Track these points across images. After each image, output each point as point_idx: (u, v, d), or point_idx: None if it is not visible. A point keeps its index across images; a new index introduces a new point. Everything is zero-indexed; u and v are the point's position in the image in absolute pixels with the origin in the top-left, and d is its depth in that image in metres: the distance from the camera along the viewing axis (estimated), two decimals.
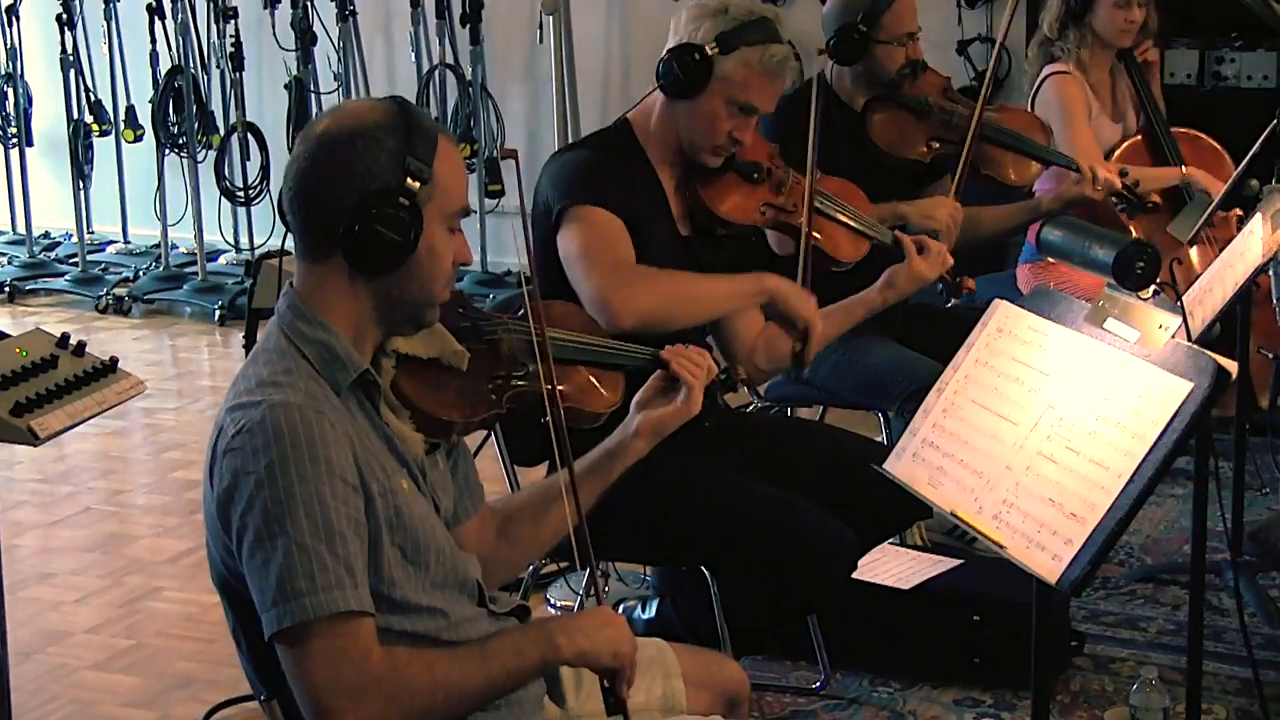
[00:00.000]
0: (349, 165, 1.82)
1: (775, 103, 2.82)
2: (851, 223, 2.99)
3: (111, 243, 7.46)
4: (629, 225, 2.71)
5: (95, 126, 7.14)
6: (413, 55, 6.66)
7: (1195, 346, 1.97)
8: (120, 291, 6.81)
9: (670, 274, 2.70)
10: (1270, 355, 3.68)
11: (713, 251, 2.88)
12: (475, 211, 6.57)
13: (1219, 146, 4.16)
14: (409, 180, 1.83)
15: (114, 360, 2.61)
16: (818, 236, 2.91)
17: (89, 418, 2.50)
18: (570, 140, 4.95)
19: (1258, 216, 2.75)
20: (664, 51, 2.77)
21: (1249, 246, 2.74)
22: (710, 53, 2.71)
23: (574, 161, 2.78)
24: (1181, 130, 4.15)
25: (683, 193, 2.85)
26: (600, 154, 2.79)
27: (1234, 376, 1.90)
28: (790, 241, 2.95)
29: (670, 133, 2.81)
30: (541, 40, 5.25)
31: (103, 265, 7.18)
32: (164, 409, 5.38)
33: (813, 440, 3.02)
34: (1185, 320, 2.05)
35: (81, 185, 7.15)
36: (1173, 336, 1.97)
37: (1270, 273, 3.42)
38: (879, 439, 3.67)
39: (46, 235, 7.59)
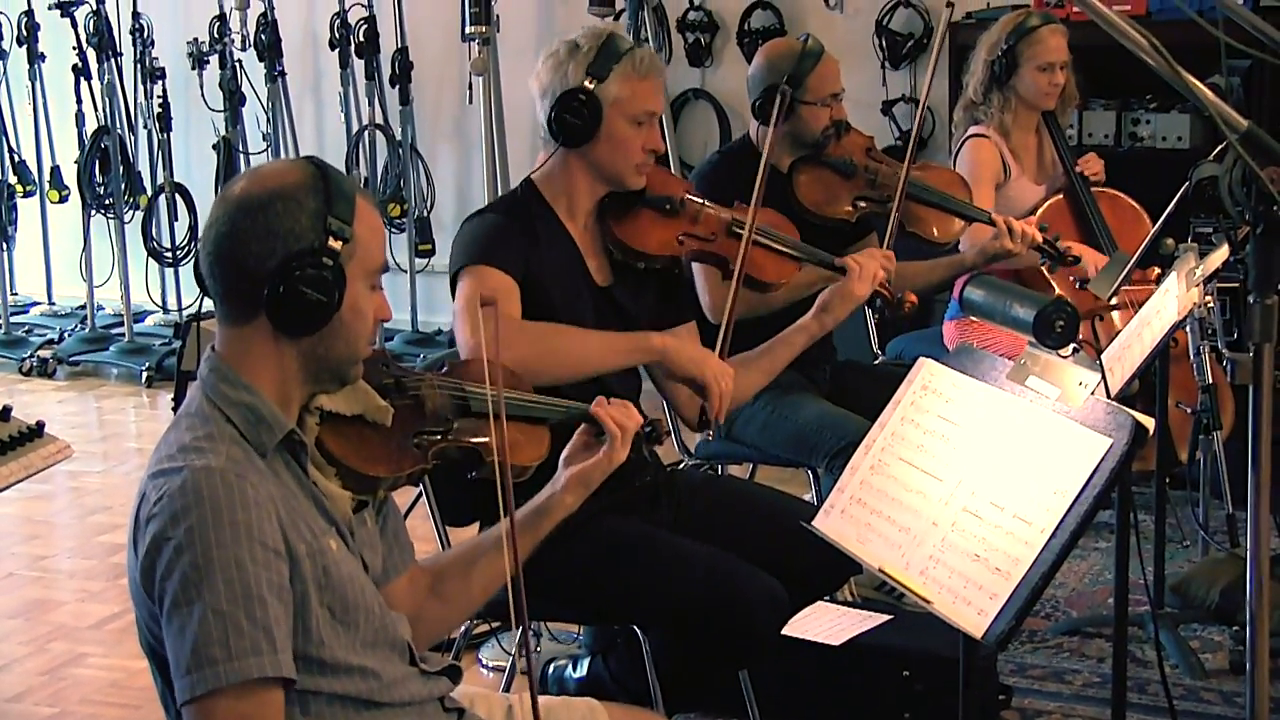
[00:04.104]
0: (270, 227, 1.83)
1: (662, 100, 2.86)
2: (781, 247, 3.01)
3: (36, 304, 7.38)
4: (534, 285, 2.72)
5: (19, 187, 7.08)
6: (342, 115, 6.66)
7: (1114, 403, 2.01)
8: (45, 354, 6.73)
9: (548, 328, 2.69)
10: (1188, 410, 3.75)
11: (634, 297, 2.89)
12: (405, 271, 6.57)
13: (1137, 205, 4.25)
14: (331, 240, 1.84)
15: (40, 425, 2.59)
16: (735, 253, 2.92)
17: (14, 483, 2.48)
18: None
19: (1173, 275, 2.81)
20: (543, 110, 2.80)
21: (1165, 305, 2.80)
22: (591, 87, 2.75)
23: (477, 225, 2.81)
24: (1101, 190, 4.24)
25: (598, 236, 2.88)
26: (505, 217, 2.81)
27: (1152, 432, 1.95)
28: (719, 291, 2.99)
29: (578, 183, 2.84)
30: (471, 101, 5.27)
31: (27, 327, 7.10)
32: (89, 472, 5.31)
33: (743, 499, 3.03)
34: (1104, 377, 2.10)
35: (4, 246, 7.07)
36: (1092, 393, 2.02)
37: (1187, 329, 3.49)
38: (808, 496, 3.70)
39: None
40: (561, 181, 2.85)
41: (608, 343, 2.72)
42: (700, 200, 2.96)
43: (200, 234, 1.91)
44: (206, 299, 1.93)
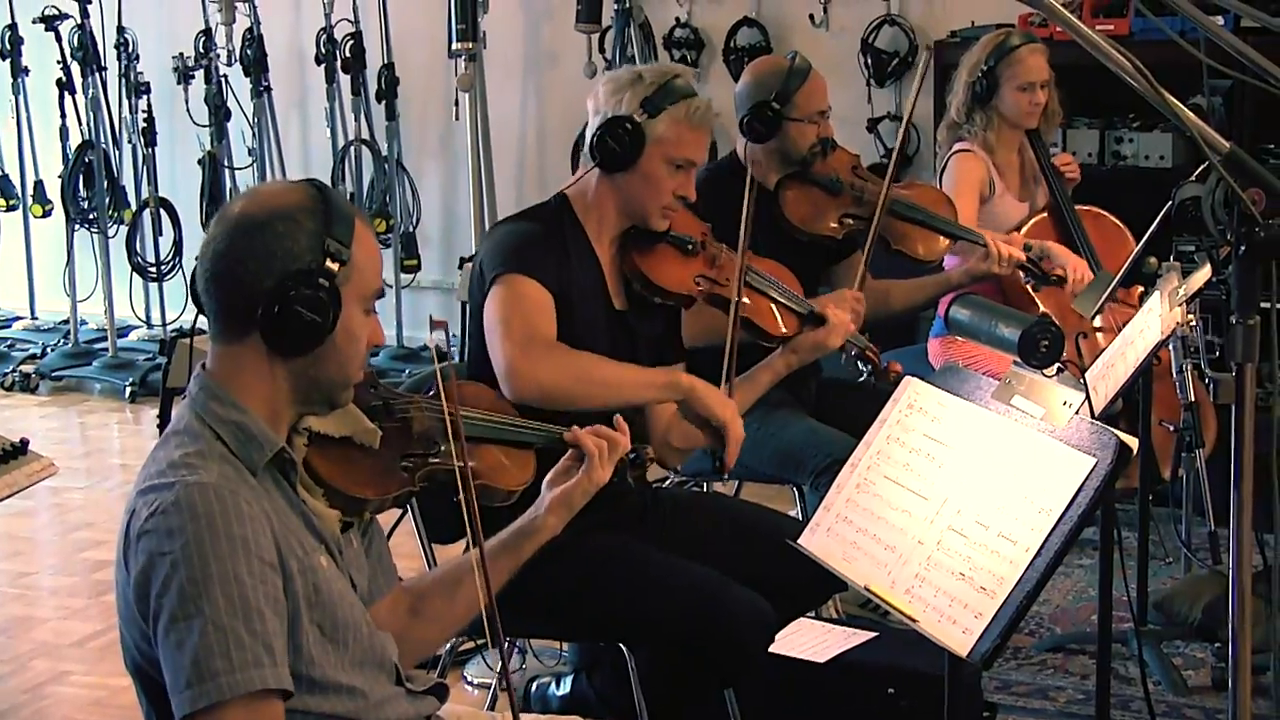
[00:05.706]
0: (268, 247, 1.83)
1: (706, 152, 2.89)
2: (781, 298, 3.04)
3: (18, 319, 7.36)
4: (562, 300, 2.74)
5: (1, 201, 7.06)
6: (328, 131, 6.66)
7: (1098, 423, 2.02)
8: (27, 368, 6.70)
9: (583, 355, 2.71)
10: (1171, 428, 3.76)
11: (644, 325, 2.91)
12: (390, 286, 6.57)
13: (1120, 224, 4.26)
14: (328, 262, 1.85)
15: (24, 442, 2.58)
16: (747, 302, 2.94)
17: None
18: (484, 216, 4.99)
19: (1156, 295, 2.82)
20: (591, 130, 2.82)
21: (1149, 324, 2.81)
22: (639, 119, 2.77)
23: (515, 231, 2.82)
24: (1085, 208, 4.25)
25: (620, 263, 2.89)
26: (542, 227, 2.83)
27: (1135, 451, 1.96)
28: (716, 330, 2.98)
29: (609, 207, 2.85)
30: (458, 117, 5.29)
31: (9, 342, 7.07)
32: (72, 488, 5.29)
33: (728, 516, 3.04)
34: (1088, 397, 2.11)
35: None
36: (1076, 413, 2.03)
37: (1170, 348, 3.51)
38: (793, 512, 3.70)
39: None
40: (595, 202, 2.86)
41: (641, 376, 2.76)
42: (721, 245, 2.98)
43: (198, 251, 1.91)
44: (195, 315, 1.93)
